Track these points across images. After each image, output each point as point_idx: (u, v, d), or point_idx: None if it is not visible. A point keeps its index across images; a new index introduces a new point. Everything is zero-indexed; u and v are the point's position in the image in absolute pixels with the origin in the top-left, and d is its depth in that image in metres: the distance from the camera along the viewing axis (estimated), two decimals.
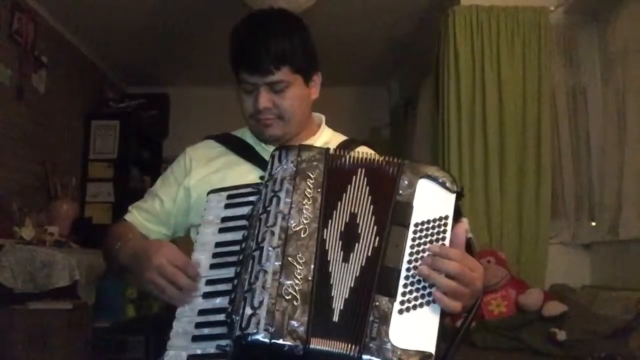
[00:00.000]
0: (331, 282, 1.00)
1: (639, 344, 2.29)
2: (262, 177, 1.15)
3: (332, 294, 1.00)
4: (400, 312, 0.97)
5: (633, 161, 3.04)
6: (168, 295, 1.09)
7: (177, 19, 4.34)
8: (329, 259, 1.02)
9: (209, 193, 1.22)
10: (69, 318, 3.08)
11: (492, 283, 2.86)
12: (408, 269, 1.01)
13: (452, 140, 3.36)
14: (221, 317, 1.04)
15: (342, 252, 1.03)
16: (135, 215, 1.41)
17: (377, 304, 0.97)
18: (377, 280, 0.99)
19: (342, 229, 1.05)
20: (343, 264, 1.02)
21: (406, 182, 1.08)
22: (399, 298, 0.98)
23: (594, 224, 3.41)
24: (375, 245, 1.03)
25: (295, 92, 1.31)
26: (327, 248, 1.03)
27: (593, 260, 3.40)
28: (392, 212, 1.05)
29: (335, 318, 0.98)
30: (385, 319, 0.96)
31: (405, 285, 1.00)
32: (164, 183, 1.43)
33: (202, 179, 1.36)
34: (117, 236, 1.31)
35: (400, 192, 1.07)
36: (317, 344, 0.95)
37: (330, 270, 1.02)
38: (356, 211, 1.07)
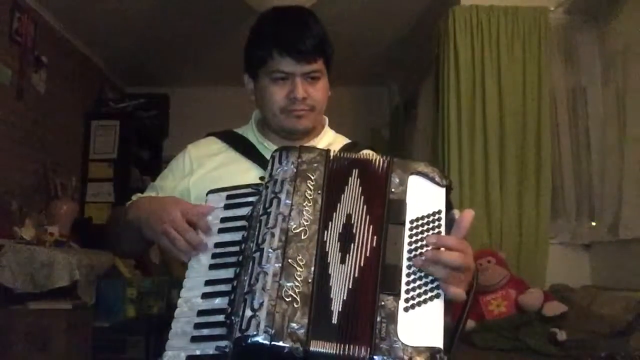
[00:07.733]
0: (330, 284, 1.00)
1: (639, 344, 2.29)
2: (262, 178, 1.15)
3: (332, 296, 0.99)
4: (406, 309, 0.97)
5: (633, 161, 3.04)
6: (178, 247, 1.12)
7: (177, 19, 4.33)
8: (328, 261, 1.02)
9: (208, 193, 1.21)
10: (69, 318, 3.08)
11: (492, 283, 2.86)
12: (408, 266, 1.01)
13: (452, 140, 3.36)
14: (220, 317, 1.03)
15: (339, 254, 1.03)
16: None
17: (383, 303, 0.97)
18: (380, 279, 0.99)
19: (340, 231, 1.05)
20: (341, 265, 1.02)
21: (397, 180, 1.09)
22: (403, 295, 0.98)
23: (594, 224, 3.41)
24: (374, 244, 1.02)
25: (325, 83, 1.33)
26: (327, 250, 1.03)
27: (593, 260, 3.40)
28: (387, 210, 1.05)
29: (335, 320, 0.97)
30: (392, 318, 0.95)
31: (407, 283, 0.99)
32: (162, 178, 1.44)
33: (200, 178, 1.36)
34: (124, 207, 1.34)
35: (393, 190, 1.07)
36: (317, 346, 0.94)
37: (330, 272, 1.01)
38: (351, 212, 1.07)
